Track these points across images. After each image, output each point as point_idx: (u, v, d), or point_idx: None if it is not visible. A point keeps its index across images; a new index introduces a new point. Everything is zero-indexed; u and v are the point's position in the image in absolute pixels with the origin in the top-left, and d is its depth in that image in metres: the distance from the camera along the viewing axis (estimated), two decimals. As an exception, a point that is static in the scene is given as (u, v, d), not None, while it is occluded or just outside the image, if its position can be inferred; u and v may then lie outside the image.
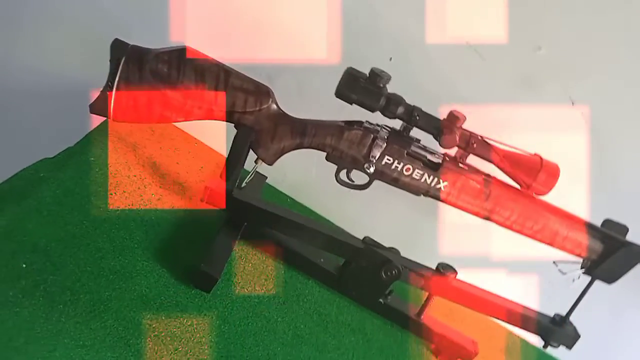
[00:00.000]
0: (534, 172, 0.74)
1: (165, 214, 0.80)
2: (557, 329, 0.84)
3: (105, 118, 0.77)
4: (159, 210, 0.80)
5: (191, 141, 0.99)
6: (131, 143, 0.89)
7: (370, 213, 1.06)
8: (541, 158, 0.75)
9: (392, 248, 0.85)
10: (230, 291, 0.75)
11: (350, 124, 0.76)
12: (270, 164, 0.78)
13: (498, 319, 0.86)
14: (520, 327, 0.86)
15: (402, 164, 0.76)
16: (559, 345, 0.85)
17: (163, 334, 0.64)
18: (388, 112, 0.73)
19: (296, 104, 1.02)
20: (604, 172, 0.98)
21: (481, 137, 0.74)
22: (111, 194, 0.77)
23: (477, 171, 0.77)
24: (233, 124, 0.76)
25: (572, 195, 0.98)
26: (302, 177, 1.06)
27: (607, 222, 0.80)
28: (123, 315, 0.63)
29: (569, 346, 0.85)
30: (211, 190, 0.80)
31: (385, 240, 0.98)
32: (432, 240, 1.04)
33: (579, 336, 0.84)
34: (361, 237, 0.85)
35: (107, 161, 0.83)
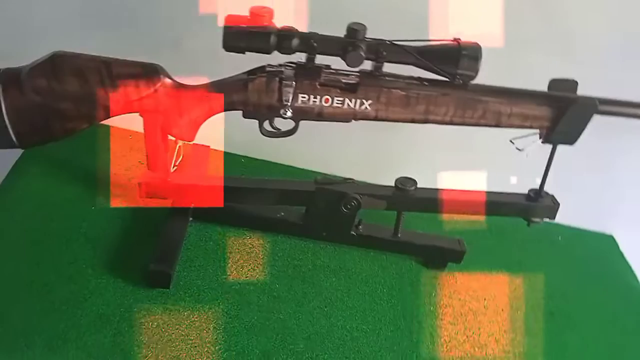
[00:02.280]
0: (454, 60, 0.68)
1: (111, 223, 0.78)
2: (535, 205, 0.81)
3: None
4: (104, 221, 0.78)
5: (124, 135, 0.95)
6: (60, 160, 0.86)
7: (328, 145, 1.02)
8: (459, 42, 0.69)
9: (348, 179, 0.82)
10: (194, 277, 0.74)
11: (252, 73, 0.71)
12: (191, 140, 0.75)
13: (473, 214, 0.83)
14: (498, 215, 0.83)
15: (318, 96, 0.71)
16: (541, 220, 0.83)
17: (129, 346, 0.63)
18: (284, 49, 0.68)
19: (213, 67, 0.97)
20: (546, 30, 0.91)
21: (389, 41, 0.69)
22: (49, 222, 0.76)
23: (397, 78, 0.72)
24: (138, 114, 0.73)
25: (520, 63, 0.92)
26: (250, 132, 1.02)
27: (553, 82, 0.75)
28: (84, 342, 0.62)
29: (551, 217, 0.82)
30: (145, 184, 0.77)
31: (351, 168, 0.95)
32: (396, 157, 1.00)
33: (559, 205, 0.81)
34: (327, 173, 0.82)
35: (37, 189, 0.80)
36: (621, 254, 1.06)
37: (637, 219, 1.09)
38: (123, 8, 0.93)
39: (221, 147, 0.98)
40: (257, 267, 0.78)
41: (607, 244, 1.09)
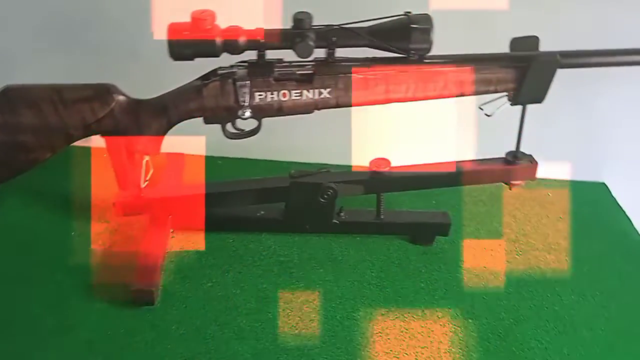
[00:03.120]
0: (406, 36, 0.67)
1: (91, 246, 0.78)
2: (514, 167, 0.80)
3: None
4: (84, 245, 0.78)
5: (98, 154, 0.94)
6: (35, 188, 0.86)
7: (301, 135, 1.01)
8: (409, 17, 0.67)
9: (322, 168, 0.81)
10: (179, 288, 0.74)
11: (205, 78, 0.70)
12: (156, 154, 0.74)
13: (452, 186, 0.82)
14: (478, 184, 0.83)
15: (275, 92, 0.70)
16: (523, 182, 0.81)
17: (119, 368, 0.64)
18: (232, 50, 0.66)
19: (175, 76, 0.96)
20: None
21: (338, 26, 0.67)
22: (30, 253, 0.76)
23: (353, 61, 0.70)
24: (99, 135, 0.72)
25: (492, 20, 0.89)
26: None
27: (514, 41, 0.73)
28: (74, 370, 0.63)
29: (531, 177, 0.81)
30: (120, 204, 0.77)
31: (327, 154, 0.93)
32: (370, 137, 0.99)
33: (537, 164, 0.80)
34: (305, 162, 0.81)
35: (15, 220, 0.81)
36: (614, 201, 1.05)
37: (627, 163, 1.07)
38: (74, 31, 0.92)
39: (197, 152, 0.98)
40: (243, 270, 0.78)
41: (599, 192, 1.07)
